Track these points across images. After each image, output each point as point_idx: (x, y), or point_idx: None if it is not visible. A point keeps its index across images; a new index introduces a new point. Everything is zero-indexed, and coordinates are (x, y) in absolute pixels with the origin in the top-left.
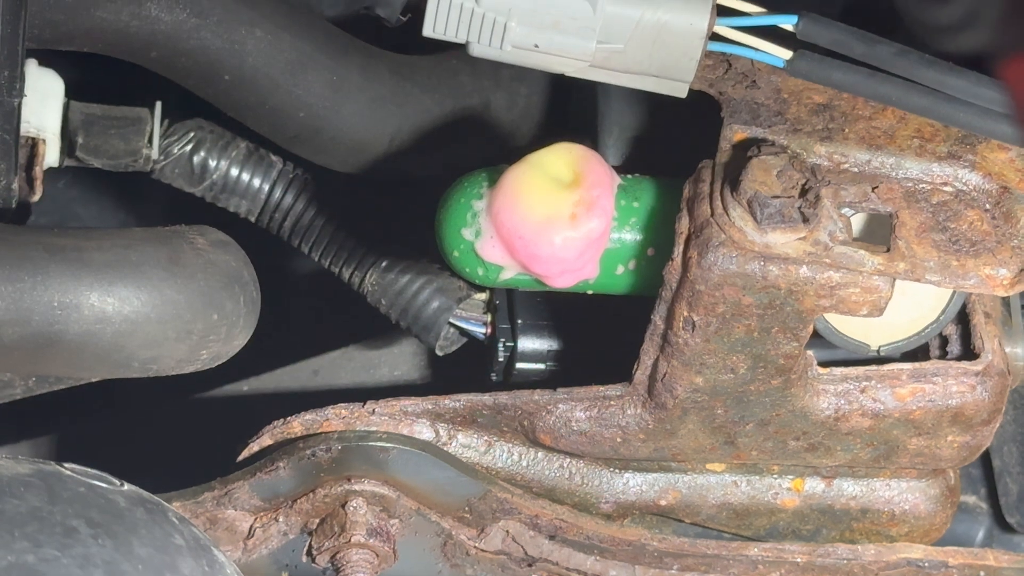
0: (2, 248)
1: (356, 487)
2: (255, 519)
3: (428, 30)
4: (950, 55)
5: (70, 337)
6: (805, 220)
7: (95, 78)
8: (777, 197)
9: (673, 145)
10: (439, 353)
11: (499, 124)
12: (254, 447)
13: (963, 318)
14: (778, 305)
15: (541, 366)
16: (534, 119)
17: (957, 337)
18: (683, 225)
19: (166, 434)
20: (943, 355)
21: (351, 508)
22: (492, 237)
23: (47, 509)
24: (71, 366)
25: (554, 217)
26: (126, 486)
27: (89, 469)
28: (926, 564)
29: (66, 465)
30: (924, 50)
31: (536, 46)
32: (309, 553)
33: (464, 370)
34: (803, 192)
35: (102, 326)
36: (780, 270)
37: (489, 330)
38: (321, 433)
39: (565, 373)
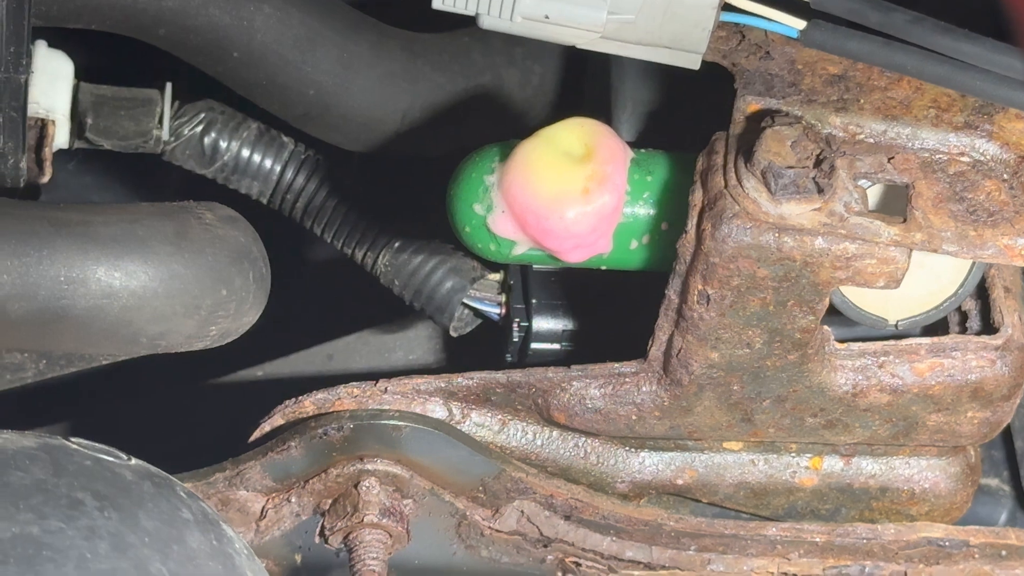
0: (9, 222)
1: (368, 466)
2: (267, 500)
3: (438, 2)
4: None
5: (77, 312)
6: (820, 191)
7: (106, 60)
8: (791, 168)
9: (688, 119)
10: (453, 334)
11: (512, 101)
12: (265, 427)
13: (983, 293)
14: (793, 277)
15: (556, 346)
16: (548, 96)
17: (977, 312)
18: (697, 198)
19: (182, 420)
20: (963, 330)
21: (363, 488)
22: (504, 212)
23: (52, 482)
24: (79, 342)
25: (566, 191)
26: (133, 460)
27: (96, 444)
28: (947, 543)
29: (72, 439)
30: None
31: (546, 17)
32: (322, 534)
33: (480, 353)
34: (818, 163)
35: (109, 301)
36: (795, 241)
37: (503, 310)
38: (333, 412)
39: (581, 353)
